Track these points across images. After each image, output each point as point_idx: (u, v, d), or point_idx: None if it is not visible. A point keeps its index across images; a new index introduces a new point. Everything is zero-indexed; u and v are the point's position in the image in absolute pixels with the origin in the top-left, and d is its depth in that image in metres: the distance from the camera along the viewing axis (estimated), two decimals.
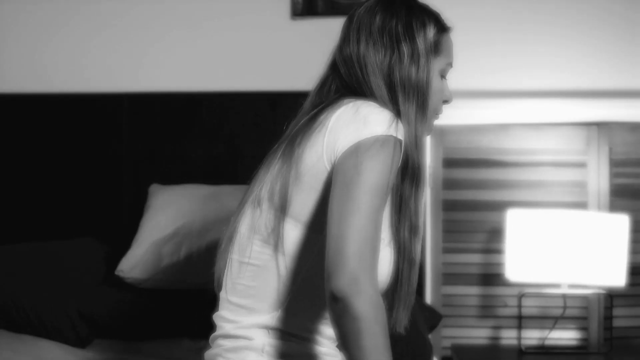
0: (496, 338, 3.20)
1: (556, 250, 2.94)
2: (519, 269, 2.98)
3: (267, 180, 1.69)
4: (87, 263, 2.85)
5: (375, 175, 1.50)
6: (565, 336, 3.17)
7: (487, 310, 3.21)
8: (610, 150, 3.22)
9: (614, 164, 3.22)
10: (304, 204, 1.59)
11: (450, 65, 1.72)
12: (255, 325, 1.65)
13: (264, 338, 1.63)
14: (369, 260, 1.45)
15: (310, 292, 1.60)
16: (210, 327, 2.59)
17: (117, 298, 2.68)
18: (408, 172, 1.61)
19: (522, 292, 3.06)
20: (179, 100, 3.26)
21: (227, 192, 2.97)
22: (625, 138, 3.24)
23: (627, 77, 3.23)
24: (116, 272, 2.73)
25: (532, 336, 3.16)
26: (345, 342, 1.45)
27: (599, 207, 3.19)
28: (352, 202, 1.47)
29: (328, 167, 1.56)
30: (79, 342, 2.56)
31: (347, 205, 1.47)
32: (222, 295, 1.78)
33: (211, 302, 2.66)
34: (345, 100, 1.62)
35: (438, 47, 1.68)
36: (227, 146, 3.22)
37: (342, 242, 1.45)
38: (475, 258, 3.22)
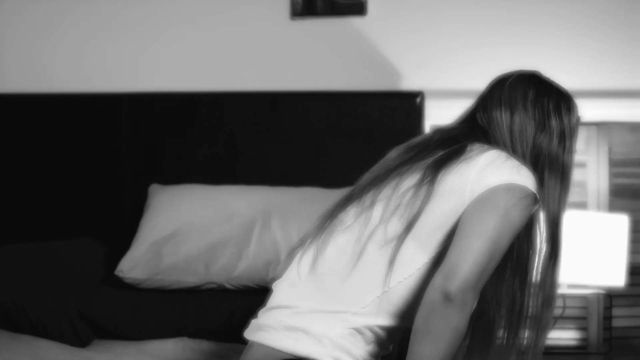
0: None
1: None
2: None
3: (395, 196, 1.76)
4: (87, 263, 2.85)
5: (516, 221, 1.65)
6: (565, 336, 3.17)
7: None
8: (610, 150, 3.22)
9: (614, 164, 3.22)
10: (429, 229, 1.70)
11: (575, 152, 1.87)
12: (325, 312, 1.71)
13: (327, 329, 1.69)
14: (479, 283, 1.60)
15: (391, 308, 1.70)
16: (209, 327, 2.61)
17: (116, 298, 2.69)
18: (530, 237, 1.76)
19: None
20: (178, 100, 3.25)
21: (226, 192, 2.98)
22: (625, 138, 3.24)
23: (627, 77, 3.23)
24: (116, 272, 2.73)
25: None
26: (421, 336, 1.57)
27: (599, 207, 3.19)
28: (490, 228, 1.61)
29: (467, 200, 1.67)
30: (79, 342, 2.55)
31: (484, 226, 1.62)
32: (296, 272, 1.82)
33: (211, 301, 2.68)
34: (492, 147, 1.76)
35: (575, 134, 1.84)
36: (227, 146, 3.21)
37: (468, 252, 1.59)
38: None
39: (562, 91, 1.88)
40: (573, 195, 3.19)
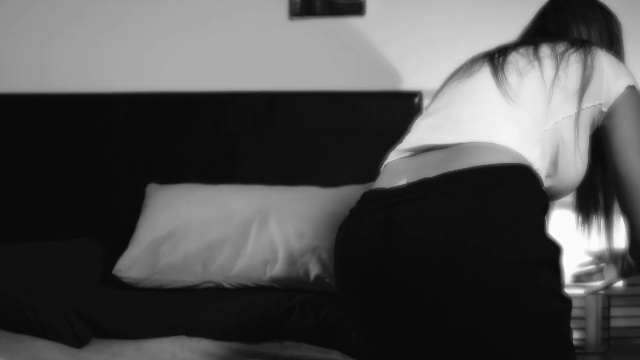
0: None
1: None
2: None
3: (557, 53, 1.81)
4: (85, 263, 2.85)
5: None
6: None
7: None
8: None
9: None
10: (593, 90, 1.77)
11: None
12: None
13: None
14: None
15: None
16: (207, 326, 2.61)
17: (114, 298, 2.69)
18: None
19: None
20: (176, 100, 3.26)
21: (224, 192, 2.98)
22: None
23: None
24: (113, 272, 2.74)
25: None
26: None
27: None
28: None
29: (606, 88, 1.77)
30: (76, 341, 2.56)
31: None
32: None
33: (208, 300, 2.68)
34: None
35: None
36: (225, 146, 3.22)
37: None
38: None
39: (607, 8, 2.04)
40: (571, 195, 3.20)
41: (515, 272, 1.49)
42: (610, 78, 1.76)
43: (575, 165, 1.77)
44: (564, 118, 1.73)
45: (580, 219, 2.06)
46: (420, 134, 1.80)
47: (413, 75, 3.25)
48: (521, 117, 1.71)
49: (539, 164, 1.68)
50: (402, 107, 3.15)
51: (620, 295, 3.12)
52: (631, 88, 1.77)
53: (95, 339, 2.61)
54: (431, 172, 1.62)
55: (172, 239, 2.81)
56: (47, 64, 3.35)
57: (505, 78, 1.76)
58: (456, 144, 1.68)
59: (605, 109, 1.77)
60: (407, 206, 1.58)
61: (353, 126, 3.18)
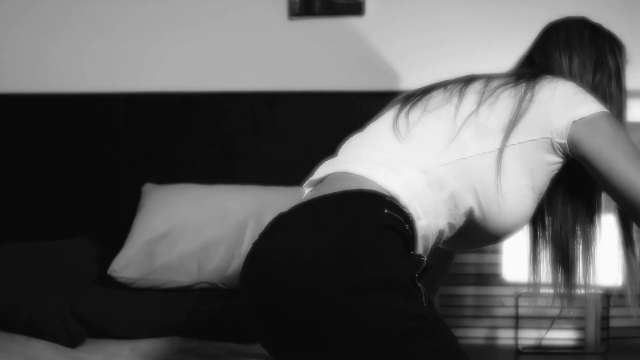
0: (493, 338, 3.19)
1: None
2: (515, 269, 2.97)
3: (487, 90, 1.78)
4: (80, 263, 2.86)
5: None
6: (562, 336, 3.16)
7: (484, 310, 3.20)
8: None
9: None
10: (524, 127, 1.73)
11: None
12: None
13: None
14: None
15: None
16: (202, 326, 2.61)
17: (109, 297, 2.70)
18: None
19: (519, 292, 3.05)
20: (176, 100, 3.26)
21: (220, 192, 2.98)
22: None
23: (625, 77, 3.21)
24: (108, 272, 2.74)
25: (529, 336, 3.15)
26: None
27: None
28: (626, 155, 1.67)
29: (556, 120, 1.71)
30: (71, 341, 2.56)
31: (624, 156, 1.67)
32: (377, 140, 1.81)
33: (203, 301, 2.68)
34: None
35: (625, 75, 1.91)
36: (224, 146, 3.22)
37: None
38: (472, 258, 3.21)
39: (612, 33, 1.94)
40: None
41: (351, 295, 1.49)
42: (560, 109, 1.72)
43: (498, 202, 1.72)
44: (479, 154, 1.70)
45: (530, 258, 2.02)
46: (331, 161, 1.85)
47: (412, 75, 3.25)
48: (401, 151, 1.71)
49: (409, 193, 1.66)
50: None
51: (619, 295, 3.10)
52: (596, 115, 1.71)
53: (89, 339, 2.62)
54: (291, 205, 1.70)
55: (168, 239, 2.82)
56: (46, 64, 3.36)
57: (405, 116, 1.77)
58: (324, 176, 1.76)
59: (562, 140, 1.72)
60: (265, 240, 1.64)
61: (352, 126, 3.15)
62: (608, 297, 3.02)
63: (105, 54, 3.35)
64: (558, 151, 1.74)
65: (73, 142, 3.26)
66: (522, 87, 1.75)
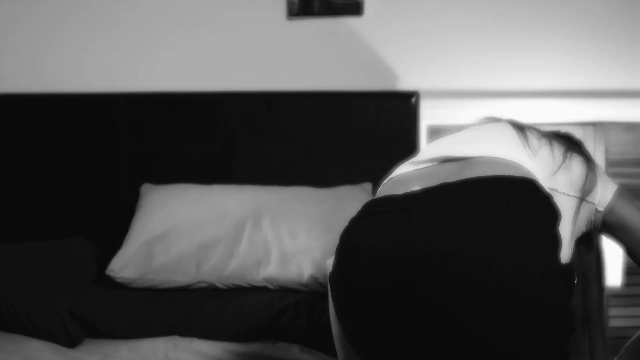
0: None
1: None
2: None
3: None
4: (78, 263, 2.85)
5: None
6: None
7: None
8: (607, 150, 3.21)
9: (610, 163, 3.21)
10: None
11: None
12: None
13: None
14: None
15: None
16: (200, 326, 2.61)
17: (107, 297, 2.69)
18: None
19: None
20: (174, 100, 3.26)
21: (218, 192, 2.98)
22: (621, 138, 3.22)
23: (624, 77, 3.22)
24: (107, 272, 2.73)
25: None
26: None
27: None
28: None
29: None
30: (70, 341, 2.56)
31: None
32: None
33: (201, 301, 2.68)
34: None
35: None
36: (223, 146, 3.22)
37: None
38: None
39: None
40: None
41: (532, 283, 1.47)
42: (603, 182, 1.88)
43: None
44: (564, 193, 1.80)
45: None
46: (436, 147, 1.84)
47: (410, 74, 3.25)
48: (534, 162, 1.77)
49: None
50: (399, 107, 3.15)
51: (618, 295, 3.10)
52: (619, 190, 1.90)
53: (88, 338, 2.61)
54: (445, 180, 1.64)
55: (166, 239, 2.81)
56: (45, 64, 3.36)
57: (526, 134, 1.84)
58: (471, 157, 1.72)
59: (601, 209, 1.86)
60: (429, 206, 1.57)
61: (350, 126, 3.18)
62: (607, 297, 3.01)
63: (105, 53, 3.34)
64: (593, 219, 1.91)
65: (72, 141, 3.25)
66: (582, 154, 1.93)
